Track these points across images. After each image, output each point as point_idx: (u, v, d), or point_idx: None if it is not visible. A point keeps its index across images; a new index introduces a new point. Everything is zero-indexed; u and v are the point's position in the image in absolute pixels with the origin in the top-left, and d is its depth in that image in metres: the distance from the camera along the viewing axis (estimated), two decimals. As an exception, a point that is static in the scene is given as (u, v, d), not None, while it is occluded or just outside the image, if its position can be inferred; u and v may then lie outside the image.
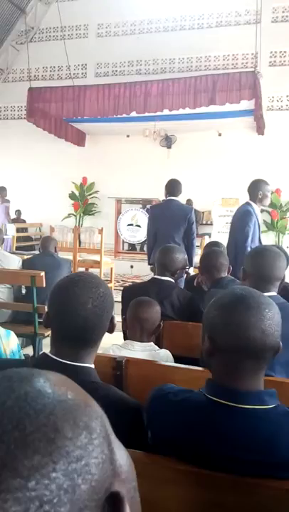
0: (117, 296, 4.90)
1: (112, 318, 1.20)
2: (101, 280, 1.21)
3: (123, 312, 2.53)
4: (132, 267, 7.80)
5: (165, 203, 4.32)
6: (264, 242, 3.90)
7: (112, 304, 1.20)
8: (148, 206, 8.61)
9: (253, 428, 0.92)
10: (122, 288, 2.68)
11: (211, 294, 2.18)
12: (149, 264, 4.40)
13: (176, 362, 1.85)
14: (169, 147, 9.88)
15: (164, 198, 4.37)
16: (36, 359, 1.20)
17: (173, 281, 2.51)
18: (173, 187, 4.28)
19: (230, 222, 4.03)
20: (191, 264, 4.28)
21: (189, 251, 4.18)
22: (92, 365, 1.15)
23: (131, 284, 5.21)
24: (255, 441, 0.91)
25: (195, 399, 1.00)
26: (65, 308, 1.12)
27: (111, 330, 1.20)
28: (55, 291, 1.16)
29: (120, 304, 2.62)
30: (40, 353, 1.18)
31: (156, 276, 2.52)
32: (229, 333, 0.98)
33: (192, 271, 4.46)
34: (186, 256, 2.72)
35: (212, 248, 2.88)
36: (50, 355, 1.12)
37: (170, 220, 4.15)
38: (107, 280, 6.45)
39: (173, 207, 4.20)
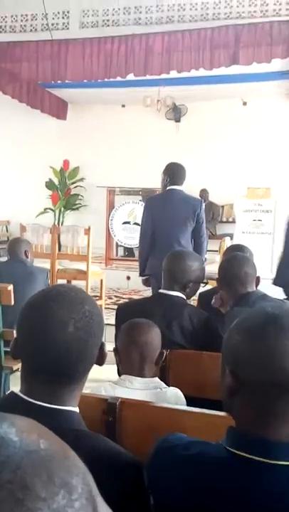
0: (110, 318, 4.94)
1: (102, 346, 1.20)
2: (87, 295, 1.22)
3: (117, 337, 2.53)
4: (128, 278, 7.81)
5: (166, 194, 4.34)
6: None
7: (102, 327, 1.20)
8: (148, 196, 8.66)
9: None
10: (115, 306, 2.69)
11: (233, 314, 2.18)
12: (142, 275, 4.41)
13: (187, 404, 1.85)
14: (177, 120, 9.93)
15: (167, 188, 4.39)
16: (2, 400, 1.20)
17: (184, 297, 2.53)
18: (175, 172, 4.30)
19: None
20: None
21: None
22: (76, 409, 1.15)
23: (128, 301, 5.22)
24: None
25: (212, 453, 1.00)
26: (38, 332, 1.12)
27: (100, 361, 1.21)
28: (26, 309, 1.17)
29: (114, 328, 2.63)
30: (8, 392, 1.18)
31: (162, 291, 2.53)
32: (257, 365, 0.98)
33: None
34: (203, 265, 2.73)
35: (234, 253, 2.88)
36: (19, 394, 1.12)
37: (173, 217, 4.18)
38: (95, 296, 6.45)
39: (177, 199, 4.22)
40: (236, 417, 1.05)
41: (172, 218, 4.17)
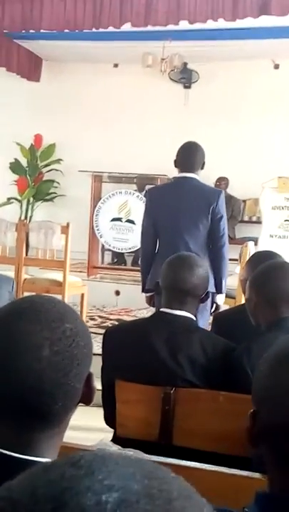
0: (94, 345, 4.92)
1: (90, 377, 1.21)
2: (69, 308, 1.23)
3: (105, 372, 2.53)
4: (118, 293, 7.81)
5: (174, 184, 4.41)
6: None
7: (89, 351, 1.21)
8: (148, 188, 8.66)
9: None
10: (101, 331, 2.70)
11: (267, 341, 2.17)
12: (144, 290, 4.41)
13: (200, 461, 1.85)
14: (187, 86, 9.98)
15: (176, 175, 4.43)
16: None
17: (193, 317, 2.54)
18: (189, 156, 4.34)
19: None
20: (220, 290, 4.29)
21: (218, 267, 4.21)
22: (55, 461, 1.15)
23: (118, 323, 5.21)
24: None
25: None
26: (1, 358, 1.13)
27: (87, 398, 1.21)
28: None
29: (100, 359, 2.63)
30: None
31: (163, 310, 2.53)
32: (282, 406, 1.00)
33: (221, 300, 4.46)
34: (208, 271, 2.74)
35: (280, 263, 2.85)
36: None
37: (183, 213, 4.21)
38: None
39: (187, 190, 4.26)
40: (268, 476, 1.05)
41: (179, 216, 4.20)
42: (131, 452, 1.85)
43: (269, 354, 1.08)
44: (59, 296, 5.85)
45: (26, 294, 5.98)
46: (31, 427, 1.12)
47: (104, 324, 6.58)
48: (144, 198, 8.00)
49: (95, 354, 2.87)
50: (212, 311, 4.24)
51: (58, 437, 1.17)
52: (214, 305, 4.33)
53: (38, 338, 1.12)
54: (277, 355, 1.05)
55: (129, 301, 7.45)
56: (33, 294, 5.87)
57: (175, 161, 4.38)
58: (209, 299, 4.19)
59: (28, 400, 1.11)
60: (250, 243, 6.32)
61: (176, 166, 4.38)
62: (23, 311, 1.16)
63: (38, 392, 1.11)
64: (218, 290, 4.25)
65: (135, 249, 8.22)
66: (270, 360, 1.05)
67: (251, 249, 5.72)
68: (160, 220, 4.28)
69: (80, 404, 1.23)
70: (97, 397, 2.58)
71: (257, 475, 1.07)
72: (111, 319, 6.98)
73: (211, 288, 4.18)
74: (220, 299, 4.38)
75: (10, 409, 1.12)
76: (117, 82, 10.12)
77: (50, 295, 1.34)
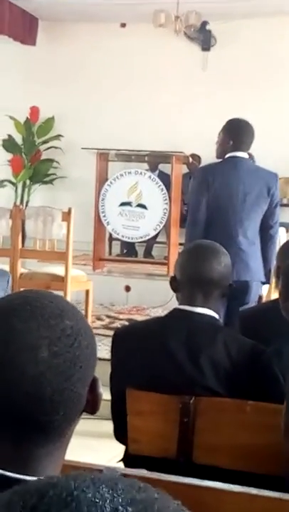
0: (100, 349, 4.94)
1: (95, 383, 1.20)
2: (69, 305, 1.22)
3: (115, 380, 2.54)
4: (128, 289, 7.82)
5: (228, 164, 4.59)
6: None
7: (93, 353, 1.21)
8: (161, 168, 8.65)
9: None
10: (109, 332, 2.71)
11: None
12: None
13: (224, 481, 1.85)
14: (206, 49, 9.96)
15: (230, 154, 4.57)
16: None
17: (216, 316, 2.54)
18: (243, 133, 4.57)
19: None
20: (268, 280, 4.59)
21: (270, 255, 4.50)
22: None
23: (128, 324, 5.21)
24: None
25: None
26: None
27: (92, 407, 1.21)
28: None
29: (109, 364, 2.64)
30: None
31: (181, 307, 2.53)
32: None
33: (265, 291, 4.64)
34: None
35: None
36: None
37: (242, 196, 4.45)
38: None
39: (244, 171, 4.50)
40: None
41: (239, 197, 4.43)
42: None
43: None
44: (60, 293, 5.87)
45: (22, 288, 6.01)
46: (29, 441, 1.12)
47: (112, 325, 6.59)
48: (157, 179, 8.06)
49: (103, 359, 2.90)
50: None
51: (60, 453, 1.17)
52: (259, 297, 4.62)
53: (34, 337, 1.11)
54: None
55: (142, 298, 7.47)
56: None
57: (225, 137, 4.57)
58: (254, 291, 4.39)
59: (25, 410, 1.11)
60: (282, 229, 6.33)
61: (226, 145, 4.55)
62: (16, 307, 1.15)
63: (36, 400, 1.10)
64: (268, 280, 4.54)
65: (147, 238, 8.25)
66: None
67: (283, 236, 5.72)
68: (217, 200, 4.48)
69: (84, 414, 1.23)
70: (106, 408, 2.60)
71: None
72: (121, 319, 6.99)
73: (262, 278, 4.40)
74: (264, 289, 4.73)
75: (5, 421, 1.12)
76: (125, 45, 10.10)
77: (45, 290, 1.34)
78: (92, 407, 1.20)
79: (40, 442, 1.13)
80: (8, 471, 1.10)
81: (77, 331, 1.15)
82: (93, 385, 1.19)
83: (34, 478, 1.10)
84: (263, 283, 4.58)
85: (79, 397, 1.16)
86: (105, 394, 2.31)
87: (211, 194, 4.49)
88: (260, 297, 4.64)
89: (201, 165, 7.81)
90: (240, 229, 4.41)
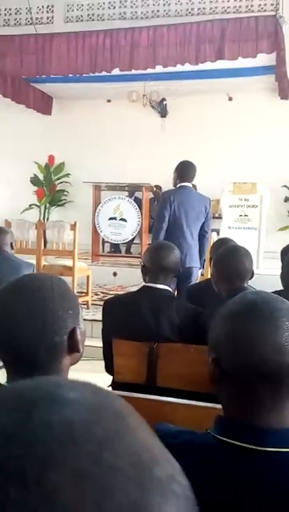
0: (96, 314, 4.88)
1: (73, 331, 1.16)
2: (45, 283, 1.17)
3: (105, 333, 2.54)
4: (115, 274, 7.80)
5: (180, 190, 4.65)
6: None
7: (64, 311, 1.15)
8: (136, 194, 8.65)
9: (278, 477, 0.93)
10: (102, 303, 2.70)
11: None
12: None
13: (177, 397, 1.86)
14: (163, 115, 9.92)
15: (181, 184, 4.66)
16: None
17: (170, 290, 2.54)
18: (184, 170, 4.63)
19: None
20: (202, 266, 4.74)
21: (203, 250, 4.63)
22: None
23: (113, 296, 5.21)
24: (281, 494, 0.92)
25: (200, 441, 1.01)
26: (5, 321, 1.14)
27: (73, 348, 1.16)
28: None
29: (101, 323, 2.63)
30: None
31: (148, 284, 2.53)
32: (235, 351, 0.99)
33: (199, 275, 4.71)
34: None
35: (233, 246, 2.87)
36: (6, 385, 1.12)
37: (188, 211, 4.54)
38: (82, 292, 6.45)
39: (190, 195, 4.61)
40: (224, 405, 1.06)
41: (188, 212, 4.52)
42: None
43: (222, 312, 1.06)
44: (69, 278, 5.85)
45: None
46: (30, 374, 1.11)
47: (104, 298, 6.56)
48: (133, 202, 8.05)
49: (98, 320, 2.87)
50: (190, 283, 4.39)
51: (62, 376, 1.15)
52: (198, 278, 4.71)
53: (18, 306, 1.13)
54: (230, 311, 1.03)
55: (124, 280, 7.46)
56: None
57: (177, 173, 4.67)
58: (194, 273, 4.47)
59: (19, 354, 1.12)
60: (214, 233, 6.34)
61: (177, 178, 4.65)
62: (13, 289, 1.18)
63: (28, 347, 1.12)
64: (202, 266, 4.70)
65: (127, 240, 8.23)
66: (224, 316, 1.03)
67: (214, 237, 5.74)
68: (175, 210, 4.54)
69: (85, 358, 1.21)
70: (99, 352, 2.59)
71: (218, 406, 1.08)
72: (110, 294, 6.96)
73: (199, 264, 4.51)
74: (198, 273, 4.80)
75: (13, 363, 1.14)
76: (110, 114, 10.05)
77: (36, 274, 1.32)
78: (72, 347, 1.16)
79: (36, 374, 1.12)
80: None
81: (51, 301, 1.14)
82: (72, 333, 1.16)
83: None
84: (199, 268, 4.68)
85: (58, 343, 1.14)
86: (97, 342, 2.29)
87: (172, 210, 4.53)
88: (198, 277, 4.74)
89: (161, 192, 7.82)
90: (188, 232, 4.49)
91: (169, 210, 4.56)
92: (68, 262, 6.13)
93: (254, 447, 0.94)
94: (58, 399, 0.37)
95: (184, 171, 4.62)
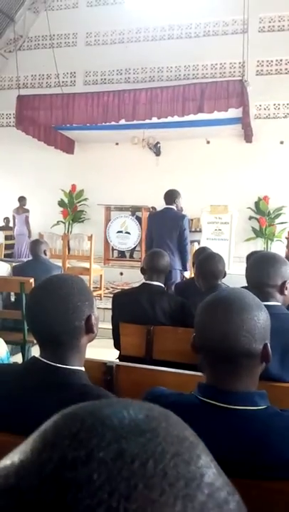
0: (108, 303, 4.88)
1: (89, 318, 1.14)
2: (67, 281, 1.14)
3: (113, 318, 2.53)
4: (121, 273, 7.78)
5: (162, 211, 4.60)
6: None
7: (81, 302, 1.13)
8: (137, 213, 8.64)
9: (243, 429, 0.92)
10: (112, 295, 2.68)
11: (205, 298, 2.19)
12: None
13: (169, 367, 1.84)
14: (157, 154, 9.93)
15: (165, 206, 4.60)
16: (26, 363, 1.19)
17: (163, 285, 2.52)
18: (168, 196, 4.56)
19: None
20: (185, 269, 4.54)
21: (183, 256, 4.44)
22: (82, 368, 1.14)
23: (120, 290, 5.20)
24: (245, 442, 0.91)
25: (186, 401, 1.00)
26: (37, 307, 1.13)
27: (89, 330, 1.14)
28: (29, 297, 1.17)
29: (111, 311, 2.62)
30: (30, 357, 1.17)
31: (146, 282, 2.52)
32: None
33: (187, 274, 4.65)
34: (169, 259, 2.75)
35: (210, 253, 2.87)
36: (40, 358, 1.12)
37: (165, 227, 4.41)
38: (96, 287, 6.43)
39: (168, 215, 4.47)
40: (204, 373, 1.05)
41: (164, 228, 4.41)
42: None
43: (202, 303, 1.07)
44: (87, 277, 5.83)
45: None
46: (59, 350, 1.10)
47: (114, 291, 6.56)
48: (135, 219, 8.02)
49: (108, 308, 2.84)
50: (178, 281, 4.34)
51: (79, 354, 1.13)
52: (183, 276, 4.60)
53: (46, 302, 1.11)
54: (206, 303, 1.04)
55: (128, 278, 7.44)
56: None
57: (164, 198, 4.56)
58: (179, 274, 4.38)
59: (49, 336, 1.11)
60: (196, 243, 6.34)
61: (166, 202, 4.55)
62: (42, 286, 1.15)
63: (54, 330, 1.10)
64: (184, 269, 4.50)
65: (131, 248, 8.19)
66: (202, 306, 1.04)
67: (196, 246, 5.73)
68: (155, 230, 4.47)
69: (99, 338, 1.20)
70: (109, 333, 2.56)
71: (200, 374, 1.07)
72: (118, 288, 6.95)
73: (179, 267, 4.38)
74: (186, 274, 4.69)
75: (45, 341, 1.12)
76: (118, 154, 10.03)
77: (61, 274, 1.28)
78: (88, 329, 1.14)
79: (63, 348, 1.11)
80: (53, 362, 1.09)
81: (68, 294, 1.12)
82: (88, 318, 1.14)
83: (65, 366, 1.09)
84: (181, 270, 4.44)
85: (77, 327, 1.12)
86: (108, 325, 2.27)
87: (154, 228, 4.48)
88: (184, 276, 4.59)
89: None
90: (168, 241, 4.32)
91: (150, 228, 4.56)
92: (86, 265, 6.13)
93: (226, 406, 0.94)
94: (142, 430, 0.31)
95: (165, 198, 4.54)
